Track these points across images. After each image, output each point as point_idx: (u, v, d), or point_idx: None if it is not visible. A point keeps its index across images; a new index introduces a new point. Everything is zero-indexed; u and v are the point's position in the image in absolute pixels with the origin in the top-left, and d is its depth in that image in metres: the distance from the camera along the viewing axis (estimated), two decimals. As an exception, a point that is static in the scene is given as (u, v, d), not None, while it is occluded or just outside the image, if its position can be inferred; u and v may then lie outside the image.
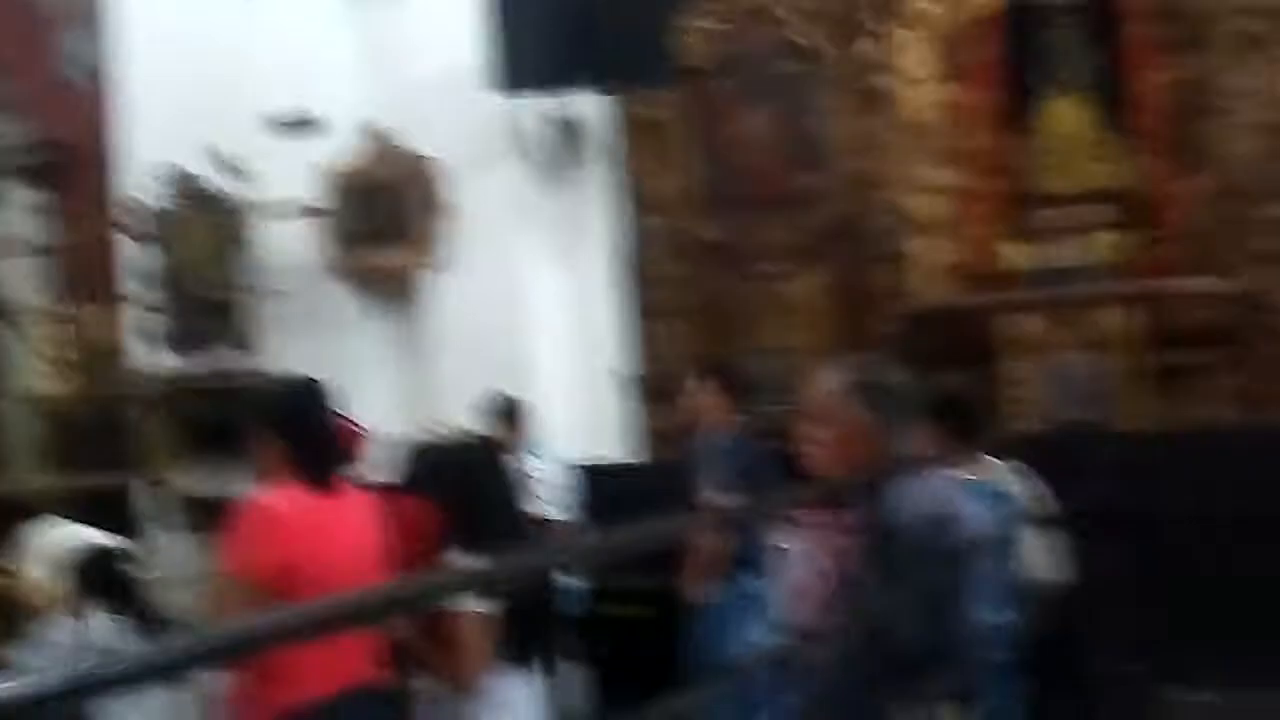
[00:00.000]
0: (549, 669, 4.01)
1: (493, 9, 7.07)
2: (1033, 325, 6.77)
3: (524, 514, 4.53)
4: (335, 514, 3.45)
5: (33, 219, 9.00)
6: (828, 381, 3.15)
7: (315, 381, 3.70)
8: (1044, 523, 4.77)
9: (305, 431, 3.49)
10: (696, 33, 7.53)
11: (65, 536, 5.91)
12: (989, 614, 3.85)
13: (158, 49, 8.18)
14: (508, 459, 5.42)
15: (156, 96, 8.18)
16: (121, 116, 8.40)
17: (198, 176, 7.95)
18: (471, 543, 3.56)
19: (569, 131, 7.56)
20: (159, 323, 8.11)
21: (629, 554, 3.27)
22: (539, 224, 7.55)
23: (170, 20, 8.07)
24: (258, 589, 3.21)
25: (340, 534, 3.44)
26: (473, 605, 3.52)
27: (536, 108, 7.40)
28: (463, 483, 3.83)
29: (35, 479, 8.46)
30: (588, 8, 7.13)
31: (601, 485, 6.63)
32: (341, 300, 7.65)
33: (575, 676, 6.03)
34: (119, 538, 4.88)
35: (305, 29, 7.58)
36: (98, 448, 8.38)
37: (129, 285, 8.30)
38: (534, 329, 7.45)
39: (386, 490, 3.92)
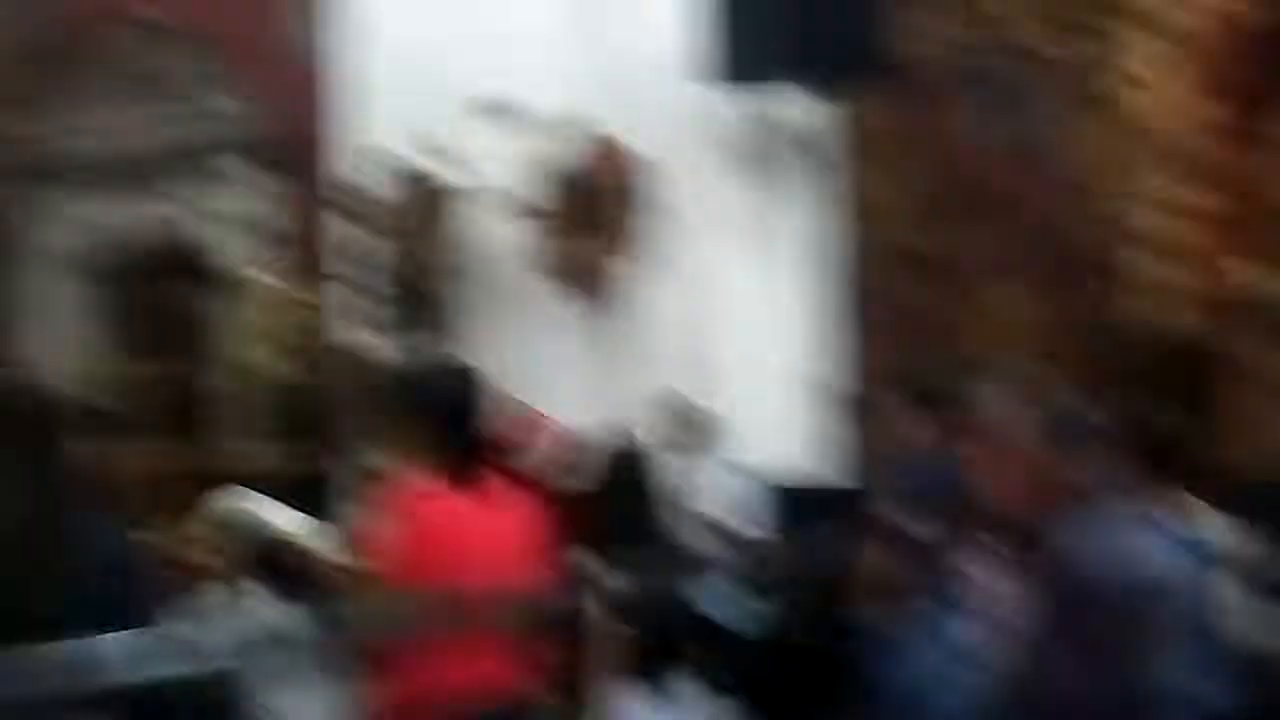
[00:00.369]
0: (683, 690, 3.83)
1: (708, 1, 6.93)
2: (1266, 355, 6.29)
3: (661, 522, 4.40)
4: (475, 511, 3.30)
5: (251, 197, 9.21)
6: (1005, 403, 2.89)
7: (470, 369, 3.59)
8: (1260, 582, 4.32)
9: (451, 421, 3.34)
10: (916, 32, 7.22)
11: (248, 508, 5.99)
12: (1182, 680, 3.47)
13: (376, 31, 8.31)
14: (677, 464, 5.29)
15: (372, 79, 8.32)
16: (338, 99, 8.55)
17: (409, 161, 8.05)
18: (602, 546, 3.41)
19: (776, 131, 7.35)
20: (365, 305, 8.25)
21: (804, 573, 3.06)
22: (739, 226, 7.36)
23: (388, 3, 8.18)
24: (386, 584, 3.10)
25: (477, 533, 3.28)
26: (604, 619, 3.37)
27: (743, 104, 7.21)
28: (602, 484, 3.70)
29: (240, 451, 8.67)
30: (806, 3, 6.92)
31: (789, 500, 6.39)
32: (538, 292, 7.60)
33: (715, 701, 5.83)
34: (310, 516, 4.90)
35: (514, 15, 7.56)
36: (302, 425, 8.53)
37: (338, 266, 8.45)
38: (728, 334, 7.26)
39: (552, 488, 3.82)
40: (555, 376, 7.41)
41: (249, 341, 9.00)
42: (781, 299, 7.36)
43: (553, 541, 3.43)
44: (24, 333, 9.96)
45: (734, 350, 7.22)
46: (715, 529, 5.81)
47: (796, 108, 7.26)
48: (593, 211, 7.42)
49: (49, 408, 3.06)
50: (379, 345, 8.14)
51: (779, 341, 7.30)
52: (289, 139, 9.06)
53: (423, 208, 7.90)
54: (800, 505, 6.14)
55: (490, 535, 3.30)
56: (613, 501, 5.55)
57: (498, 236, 7.64)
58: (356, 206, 8.30)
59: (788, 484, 6.44)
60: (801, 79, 7.02)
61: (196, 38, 9.52)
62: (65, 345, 9.88)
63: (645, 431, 6.40)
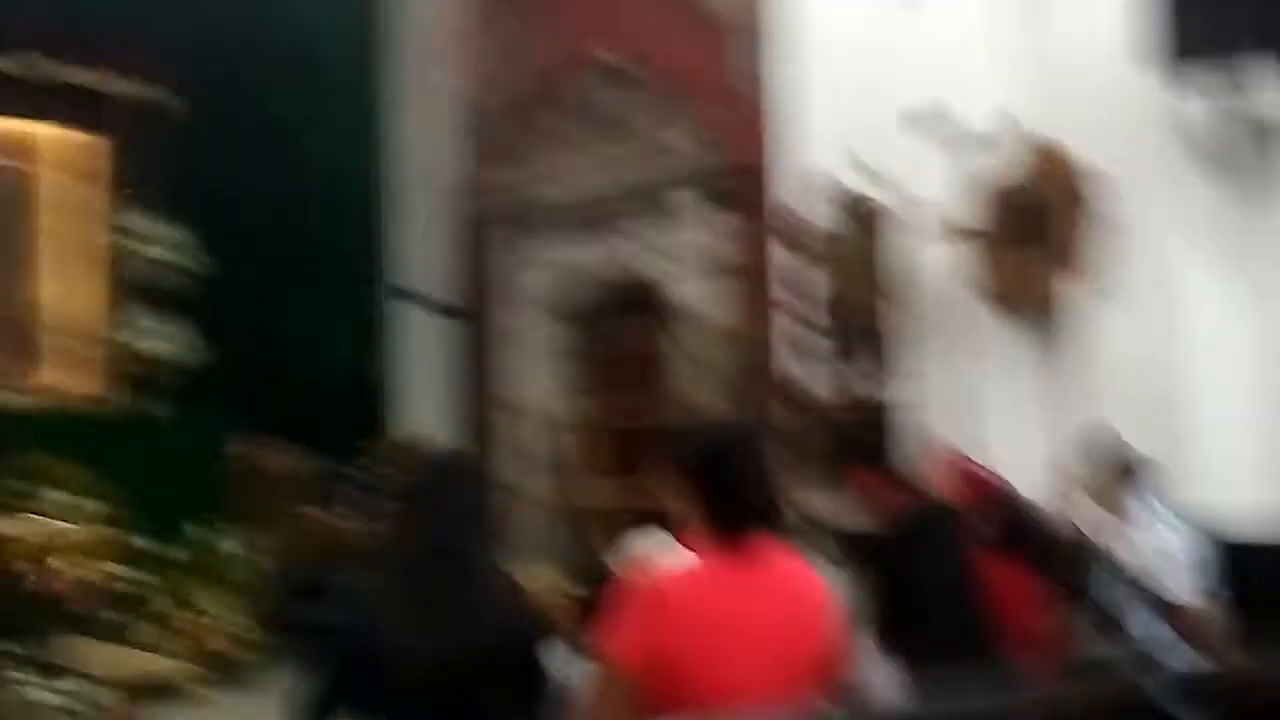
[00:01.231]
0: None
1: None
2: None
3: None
4: (749, 593, 2.71)
5: (702, 231, 9.13)
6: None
7: (747, 429, 3.13)
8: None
9: (721, 484, 2.78)
10: None
11: (650, 548, 5.77)
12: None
13: (815, 57, 8.01)
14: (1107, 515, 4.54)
15: (811, 104, 8.02)
16: (782, 127, 8.30)
17: (850, 188, 7.68)
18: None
19: (1255, 131, 6.33)
20: (812, 339, 7.93)
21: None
22: (1205, 237, 6.38)
23: (825, 26, 7.85)
24: (630, 680, 2.64)
25: (750, 620, 2.69)
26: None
27: (1212, 104, 6.25)
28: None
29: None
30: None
31: (1245, 559, 5.40)
32: (981, 321, 6.96)
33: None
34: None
35: (950, 20, 7.00)
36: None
37: (785, 299, 8.18)
38: (1191, 363, 6.29)
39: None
40: (997, 410, 6.77)
41: (697, 376, 8.91)
42: (1257, 322, 6.30)
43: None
44: (509, 373, 10.40)
45: (1198, 382, 6.25)
46: (1150, 594, 4.99)
47: (1271, 89, 6.18)
48: (1037, 229, 6.71)
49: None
50: (823, 381, 7.79)
51: (1254, 372, 6.24)
52: (737, 170, 8.92)
53: (858, 232, 7.48)
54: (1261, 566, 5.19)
55: (769, 628, 2.70)
56: (1034, 562, 4.90)
57: (935, 259, 7.07)
58: (797, 235, 8.02)
59: (1246, 540, 5.47)
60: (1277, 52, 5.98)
61: (652, 77, 9.59)
62: (544, 384, 10.23)
63: (1074, 474, 5.64)
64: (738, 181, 8.94)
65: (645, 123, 9.62)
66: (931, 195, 7.04)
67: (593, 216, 9.85)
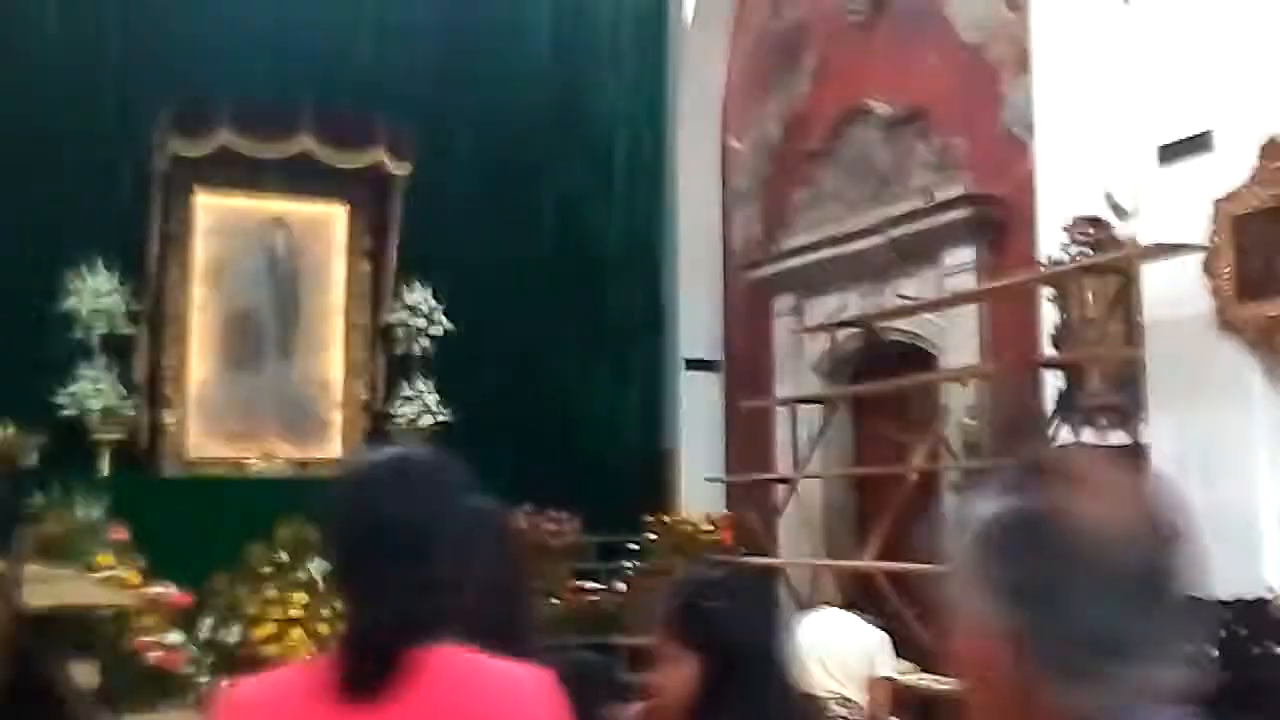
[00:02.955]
0: None
1: None
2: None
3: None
4: None
5: (966, 276, 8.59)
6: None
7: None
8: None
9: None
10: None
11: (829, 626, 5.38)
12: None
13: (1071, 92, 7.43)
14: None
15: (1069, 142, 7.43)
16: (1040, 165, 7.71)
17: (1103, 226, 7.03)
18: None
19: None
20: (1067, 388, 7.28)
21: None
22: None
23: (1087, 61, 7.27)
24: None
25: None
26: None
27: None
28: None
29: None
30: None
31: None
32: (1234, 362, 6.12)
33: None
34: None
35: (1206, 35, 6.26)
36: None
37: (1046, 346, 7.56)
38: None
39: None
40: (1254, 462, 5.92)
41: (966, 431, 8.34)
42: None
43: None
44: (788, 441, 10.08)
45: None
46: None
47: None
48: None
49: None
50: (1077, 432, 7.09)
51: None
52: (1005, 214, 8.36)
53: (1111, 275, 6.81)
54: None
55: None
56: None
57: (1188, 299, 6.30)
58: (1057, 281, 7.38)
59: None
60: None
61: (927, 126, 9.16)
62: (825, 450, 9.82)
63: None
64: (996, 221, 8.41)
65: (920, 175, 9.17)
66: (1180, 222, 6.29)
67: (865, 274, 9.45)
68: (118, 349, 9.08)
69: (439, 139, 10.00)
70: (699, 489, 10.28)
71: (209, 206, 9.49)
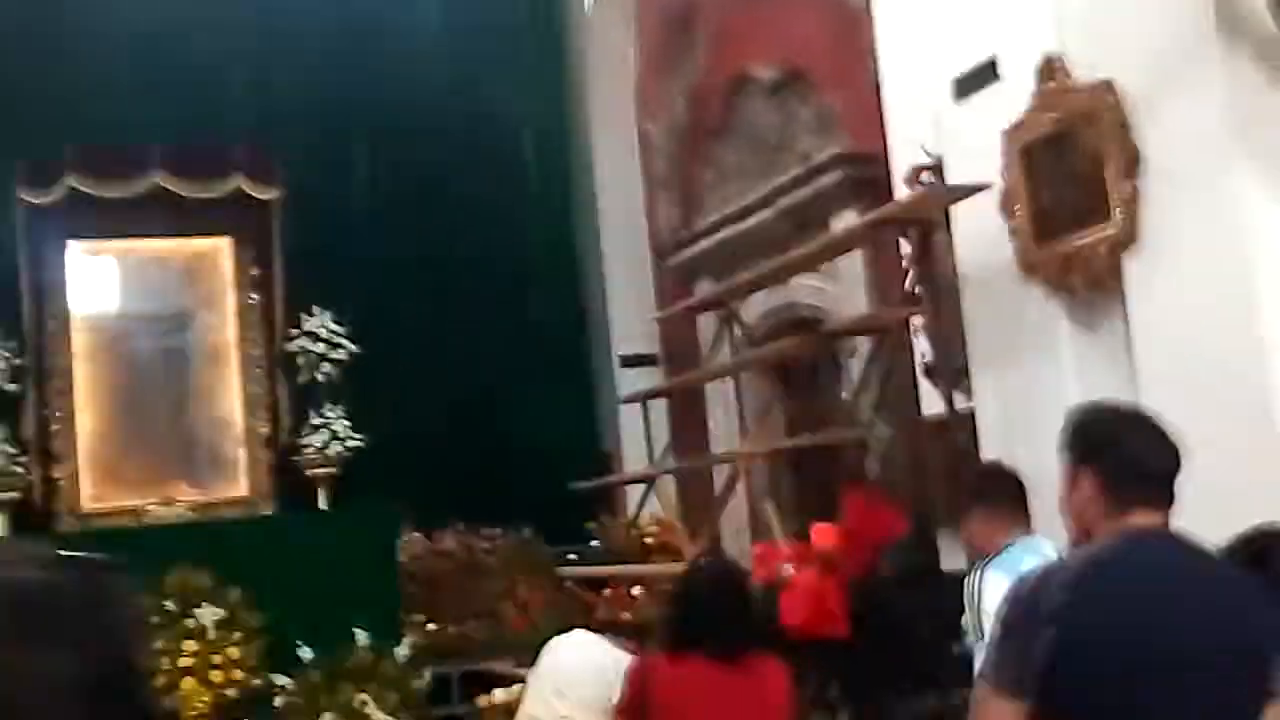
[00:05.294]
0: None
1: None
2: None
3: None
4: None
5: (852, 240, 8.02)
6: None
7: None
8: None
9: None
10: None
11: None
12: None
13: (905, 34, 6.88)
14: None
15: (904, 85, 6.89)
16: (888, 113, 7.16)
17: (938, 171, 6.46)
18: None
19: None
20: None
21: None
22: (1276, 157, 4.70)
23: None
24: None
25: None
26: None
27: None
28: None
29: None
30: None
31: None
32: (1038, 305, 5.53)
33: None
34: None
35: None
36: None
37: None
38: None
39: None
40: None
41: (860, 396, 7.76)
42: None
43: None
44: (718, 427, 9.60)
45: None
46: None
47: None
48: (1079, 184, 5.26)
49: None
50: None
51: None
52: (867, 163, 7.79)
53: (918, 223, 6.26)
54: None
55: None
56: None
57: (988, 242, 5.73)
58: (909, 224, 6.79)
59: None
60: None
61: (803, 87, 8.64)
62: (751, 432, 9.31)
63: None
64: (883, 185, 7.85)
65: (803, 140, 8.65)
66: (978, 160, 5.74)
67: (766, 249, 8.92)
68: (3, 407, 8.94)
69: (332, 157, 9.75)
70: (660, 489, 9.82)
71: (81, 254, 9.33)
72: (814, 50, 8.57)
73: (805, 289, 8.64)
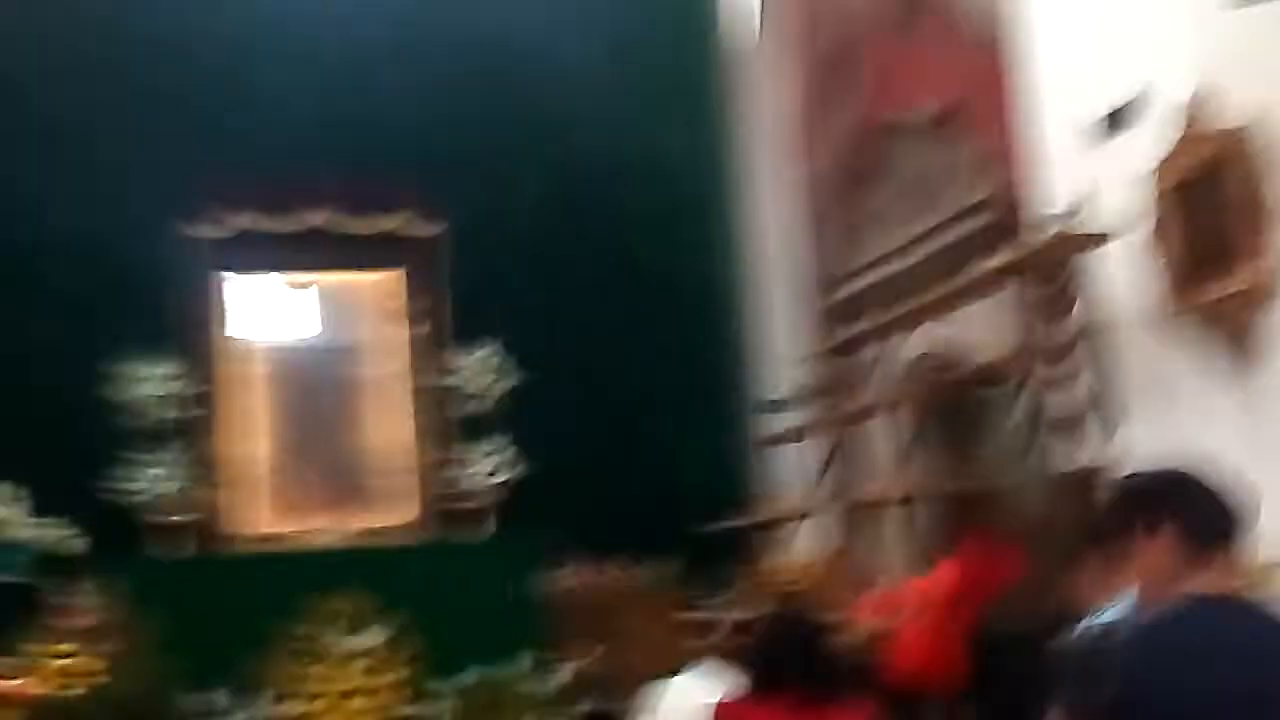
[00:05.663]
0: None
1: None
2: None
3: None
4: None
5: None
6: None
7: None
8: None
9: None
10: None
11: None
12: None
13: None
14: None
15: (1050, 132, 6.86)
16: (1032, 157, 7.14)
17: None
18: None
19: None
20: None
21: None
22: None
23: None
24: None
25: None
26: None
27: None
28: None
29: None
30: None
31: None
32: (1180, 351, 5.48)
33: None
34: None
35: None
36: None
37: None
38: None
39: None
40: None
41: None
42: None
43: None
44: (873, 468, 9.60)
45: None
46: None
47: None
48: (1223, 228, 5.22)
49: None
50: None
51: None
52: (1020, 213, 7.77)
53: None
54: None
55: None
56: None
57: (1128, 286, 5.71)
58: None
59: None
60: None
61: (950, 128, 8.65)
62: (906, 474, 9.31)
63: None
64: (1014, 220, 7.83)
65: (955, 180, 8.65)
66: (1132, 209, 5.72)
67: (915, 292, 8.94)
68: (179, 434, 9.42)
69: (495, 191, 10.08)
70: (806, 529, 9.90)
71: (248, 286, 9.86)
72: (966, 91, 8.56)
73: (950, 330, 8.62)
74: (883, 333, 8.64)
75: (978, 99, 8.43)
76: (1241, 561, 2.46)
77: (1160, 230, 5.46)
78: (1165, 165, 5.44)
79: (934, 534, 8.87)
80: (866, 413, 9.06)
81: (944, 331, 8.63)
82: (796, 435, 9.55)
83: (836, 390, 9.92)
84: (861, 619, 6.11)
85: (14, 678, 6.61)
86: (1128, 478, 2.63)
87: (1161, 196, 5.45)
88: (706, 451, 10.15)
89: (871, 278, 9.46)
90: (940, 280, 8.48)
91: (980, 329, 8.27)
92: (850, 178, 10.08)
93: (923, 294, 8.63)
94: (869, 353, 9.46)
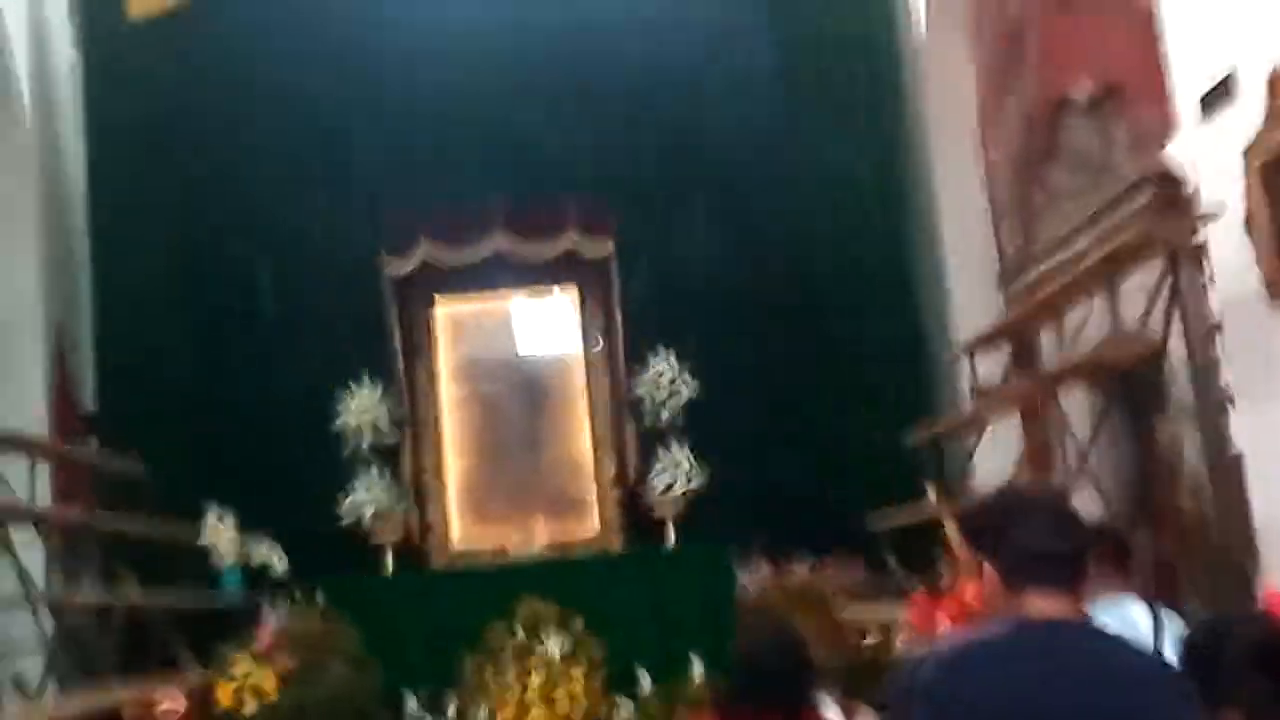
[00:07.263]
0: None
1: None
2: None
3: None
4: None
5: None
6: None
7: None
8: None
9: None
10: None
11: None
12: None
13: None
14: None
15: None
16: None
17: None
18: None
19: None
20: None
21: None
22: None
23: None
24: None
25: None
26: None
27: None
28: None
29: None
30: None
31: None
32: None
33: None
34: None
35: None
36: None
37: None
38: None
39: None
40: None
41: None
42: None
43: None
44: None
45: None
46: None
47: None
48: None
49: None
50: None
51: None
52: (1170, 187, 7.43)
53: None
54: None
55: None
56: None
57: (1230, 266, 5.44)
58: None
59: None
60: None
61: (1119, 105, 8.33)
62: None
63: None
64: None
65: (1120, 158, 8.34)
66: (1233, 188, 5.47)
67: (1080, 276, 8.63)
68: (385, 455, 9.96)
69: (665, 199, 10.29)
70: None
71: (446, 313, 10.31)
72: (1126, 66, 8.25)
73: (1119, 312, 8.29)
74: (1057, 315, 8.40)
75: (1137, 74, 8.11)
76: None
77: (1260, 206, 5.18)
78: (1260, 139, 5.16)
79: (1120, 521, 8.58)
80: (1049, 400, 8.79)
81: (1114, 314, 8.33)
82: (979, 429, 9.35)
83: (1020, 381, 9.67)
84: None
85: (171, 698, 7.12)
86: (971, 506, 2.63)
87: (1260, 172, 5.18)
88: (886, 449, 10.04)
89: (1054, 260, 9.19)
90: (1104, 262, 8.20)
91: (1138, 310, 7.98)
92: (1026, 162, 9.82)
93: (1088, 278, 8.35)
94: (1048, 341, 9.19)
